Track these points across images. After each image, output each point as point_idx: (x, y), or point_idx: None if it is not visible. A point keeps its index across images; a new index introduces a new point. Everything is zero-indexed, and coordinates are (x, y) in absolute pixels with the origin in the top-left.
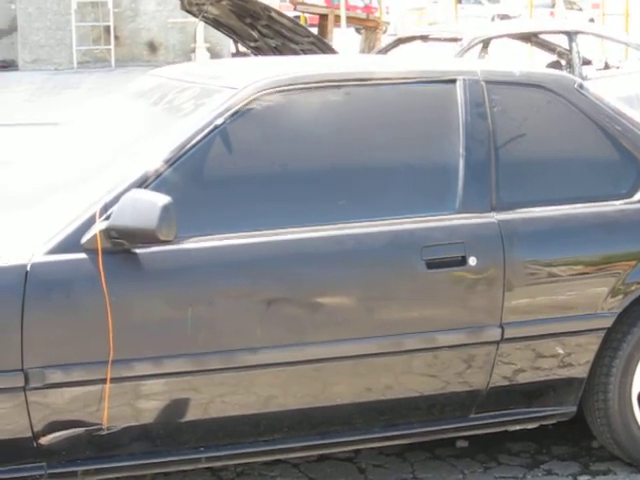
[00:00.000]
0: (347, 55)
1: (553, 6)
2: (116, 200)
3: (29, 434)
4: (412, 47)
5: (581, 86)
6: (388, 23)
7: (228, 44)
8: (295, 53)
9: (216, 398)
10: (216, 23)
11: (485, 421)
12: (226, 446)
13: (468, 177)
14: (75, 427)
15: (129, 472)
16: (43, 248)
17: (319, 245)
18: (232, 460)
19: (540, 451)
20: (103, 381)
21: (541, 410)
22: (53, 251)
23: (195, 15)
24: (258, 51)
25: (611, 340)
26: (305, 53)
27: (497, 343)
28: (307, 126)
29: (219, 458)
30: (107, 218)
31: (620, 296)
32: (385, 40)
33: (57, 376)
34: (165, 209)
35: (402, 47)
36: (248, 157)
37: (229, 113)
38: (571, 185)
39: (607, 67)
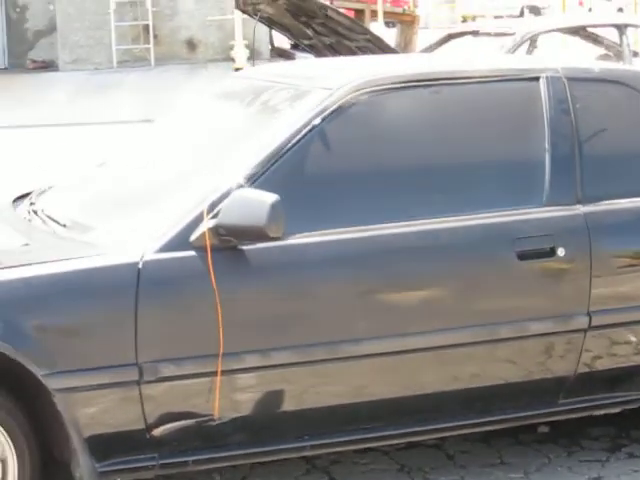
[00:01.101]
0: (430, 54)
1: None
2: (222, 198)
3: (142, 426)
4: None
5: None
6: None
7: (266, 41)
8: (350, 50)
9: (320, 388)
10: (270, 21)
11: (572, 406)
12: (329, 434)
13: (554, 171)
14: (186, 418)
15: (237, 461)
16: (153, 246)
17: (417, 239)
18: (334, 448)
19: (619, 435)
20: (214, 373)
21: (625, 395)
22: (163, 249)
23: (250, 14)
24: (312, 49)
25: None
26: (361, 50)
27: (585, 331)
28: (400, 125)
29: (323, 446)
30: (214, 216)
31: None
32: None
33: (170, 370)
34: (274, 207)
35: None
36: (345, 156)
37: (326, 113)
38: None
39: None
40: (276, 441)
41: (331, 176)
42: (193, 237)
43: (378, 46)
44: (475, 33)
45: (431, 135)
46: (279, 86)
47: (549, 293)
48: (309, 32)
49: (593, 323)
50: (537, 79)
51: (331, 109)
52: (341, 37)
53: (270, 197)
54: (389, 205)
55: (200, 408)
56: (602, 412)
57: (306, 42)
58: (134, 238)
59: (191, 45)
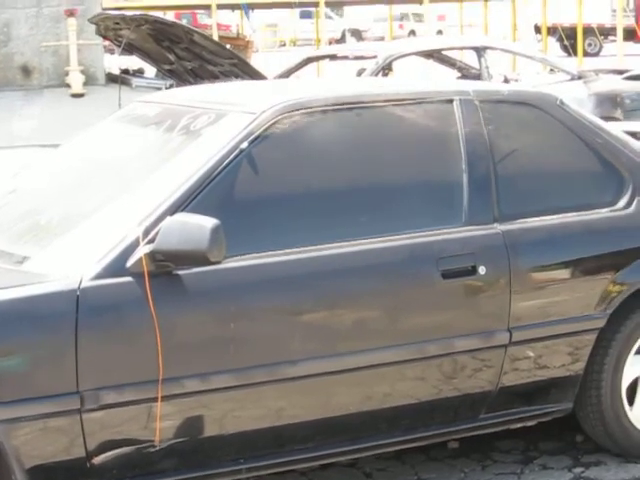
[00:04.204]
0: (343, 78)
1: (402, 19)
2: (156, 223)
3: (83, 454)
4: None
5: (562, 102)
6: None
7: (102, 66)
8: (213, 75)
9: (256, 410)
10: (129, 47)
11: (492, 421)
12: (264, 457)
13: (472, 191)
14: (127, 445)
15: None
16: (89, 273)
17: (345, 260)
18: (269, 470)
19: (529, 448)
20: (155, 399)
21: (542, 407)
22: (100, 276)
23: (111, 41)
24: (172, 73)
25: (603, 339)
26: (225, 75)
27: (505, 346)
28: (324, 148)
29: (257, 468)
30: (150, 241)
31: (611, 297)
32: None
33: (111, 397)
34: (215, 231)
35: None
36: (273, 178)
37: (252, 137)
38: (562, 195)
39: (506, 80)
40: (213, 465)
41: (260, 199)
42: (130, 263)
43: (244, 71)
44: (333, 57)
45: (356, 157)
46: (198, 110)
47: (472, 311)
48: (171, 57)
49: (513, 339)
50: (451, 101)
51: (257, 133)
52: (205, 62)
53: (210, 221)
54: (318, 227)
55: (140, 434)
56: (519, 425)
57: (167, 67)
58: (70, 265)
59: (26, 71)
